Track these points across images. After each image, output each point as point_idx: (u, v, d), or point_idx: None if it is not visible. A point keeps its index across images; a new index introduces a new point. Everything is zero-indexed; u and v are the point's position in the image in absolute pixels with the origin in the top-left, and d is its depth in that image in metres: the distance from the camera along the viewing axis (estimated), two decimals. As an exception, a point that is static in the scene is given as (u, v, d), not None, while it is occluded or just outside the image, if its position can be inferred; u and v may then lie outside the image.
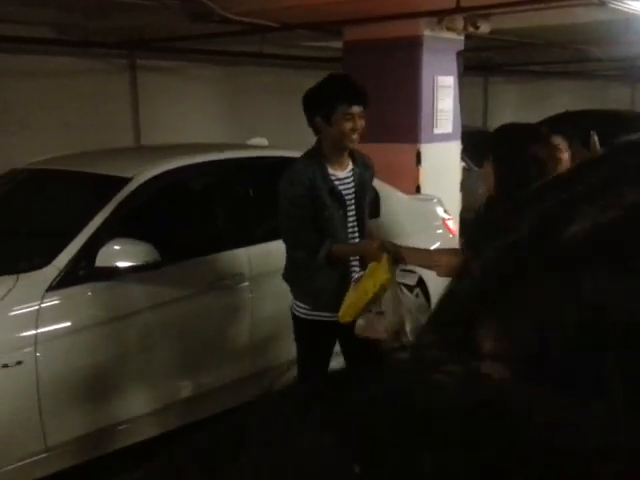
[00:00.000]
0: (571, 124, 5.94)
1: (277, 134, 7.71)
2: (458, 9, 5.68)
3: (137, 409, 3.57)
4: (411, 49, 6.61)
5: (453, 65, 6.90)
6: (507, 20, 6.74)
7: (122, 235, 3.41)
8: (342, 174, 3.14)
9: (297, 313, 3.24)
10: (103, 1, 6.44)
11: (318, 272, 3.07)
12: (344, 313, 2.87)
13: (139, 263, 3.37)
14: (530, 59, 12.46)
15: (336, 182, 3.11)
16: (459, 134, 7.01)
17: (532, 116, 13.76)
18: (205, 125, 9.42)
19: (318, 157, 3.12)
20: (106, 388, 3.45)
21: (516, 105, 15.61)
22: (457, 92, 6.95)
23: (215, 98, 10.00)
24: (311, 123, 3.14)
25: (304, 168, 3.08)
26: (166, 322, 3.62)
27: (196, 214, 3.95)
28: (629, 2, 5.88)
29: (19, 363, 3.13)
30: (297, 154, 4.44)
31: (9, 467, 3.14)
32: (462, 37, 6.85)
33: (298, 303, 3.23)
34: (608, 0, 5.79)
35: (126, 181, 3.65)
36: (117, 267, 3.36)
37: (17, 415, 3.17)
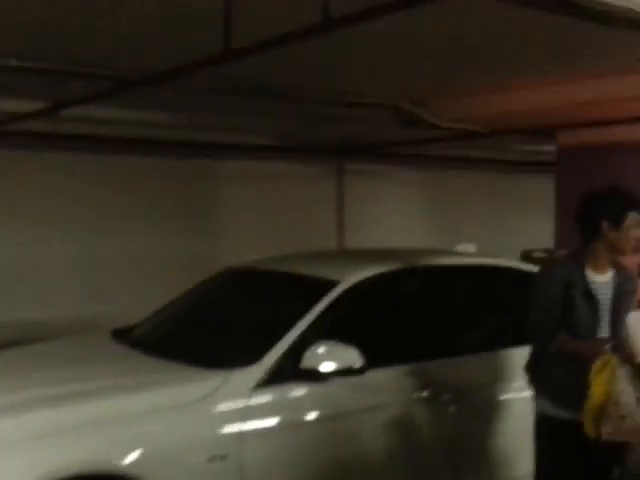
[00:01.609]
0: None
1: (482, 239, 7.56)
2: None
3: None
4: (636, 154, 6.26)
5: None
6: None
7: (328, 338, 3.40)
8: (601, 279, 3.23)
9: (537, 410, 3.30)
10: (318, 111, 6.80)
11: (557, 364, 3.18)
12: (588, 426, 2.91)
13: (344, 367, 3.33)
14: None
15: (593, 286, 3.20)
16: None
17: None
18: (408, 228, 9.49)
19: (580, 259, 3.24)
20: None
21: None
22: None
23: (420, 202, 10.10)
24: (592, 225, 3.21)
25: (564, 266, 3.25)
26: (367, 429, 3.50)
27: (402, 321, 3.88)
28: None
29: (223, 458, 3.16)
30: (509, 263, 4.29)
31: None
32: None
33: (539, 398, 3.30)
34: None
35: (334, 284, 3.67)
36: (322, 370, 3.34)
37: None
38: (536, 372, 3.37)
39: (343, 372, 3.35)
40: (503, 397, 3.85)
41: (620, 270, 3.30)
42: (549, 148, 8.14)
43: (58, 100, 5.55)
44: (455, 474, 3.74)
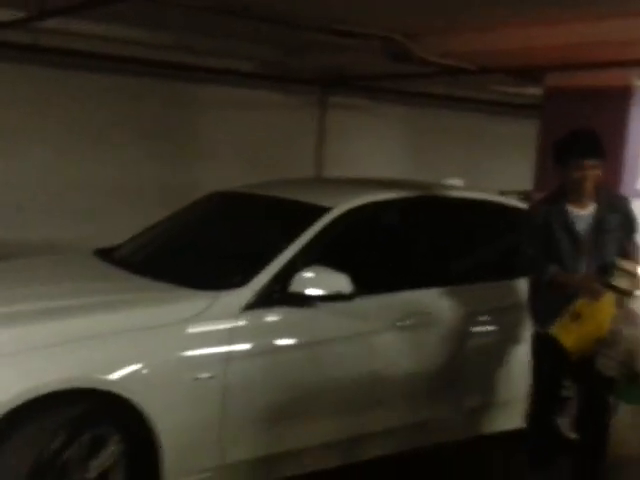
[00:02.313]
0: None
1: (462, 178, 7.58)
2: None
3: (313, 439, 3.52)
4: (619, 99, 6.28)
5: (662, 120, 6.47)
6: None
7: (319, 264, 3.41)
8: (580, 212, 3.52)
9: (532, 332, 3.71)
10: (308, 39, 6.66)
11: (547, 293, 3.54)
12: (573, 345, 3.32)
13: (333, 292, 3.35)
14: None
15: (573, 219, 3.50)
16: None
17: None
18: (388, 164, 9.47)
19: (560, 195, 3.58)
20: (287, 414, 3.44)
21: None
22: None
23: (401, 138, 10.05)
24: (554, 168, 3.59)
25: (547, 202, 3.62)
26: (351, 355, 3.56)
27: (393, 250, 3.89)
28: None
29: (209, 378, 3.19)
30: (499, 198, 4.33)
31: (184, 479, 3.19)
32: (676, 90, 6.41)
33: (534, 321, 3.69)
34: None
35: (326, 210, 3.67)
36: (310, 294, 3.36)
37: (199, 428, 3.21)
38: (533, 300, 3.70)
39: (332, 297, 3.36)
40: (487, 328, 3.92)
41: (604, 199, 3.54)
42: (532, 91, 8.11)
43: (38, 10, 5.34)
44: (435, 399, 3.83)
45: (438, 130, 10.24)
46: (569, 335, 3.36)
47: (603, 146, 3.53)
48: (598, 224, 3.51)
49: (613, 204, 3.59)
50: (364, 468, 3.70)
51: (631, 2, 4.67)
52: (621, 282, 3.31)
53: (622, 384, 3.35)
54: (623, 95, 6.31)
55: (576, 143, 3.52)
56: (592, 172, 3.47)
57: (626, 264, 3.38)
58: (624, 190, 6.20)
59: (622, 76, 6.25)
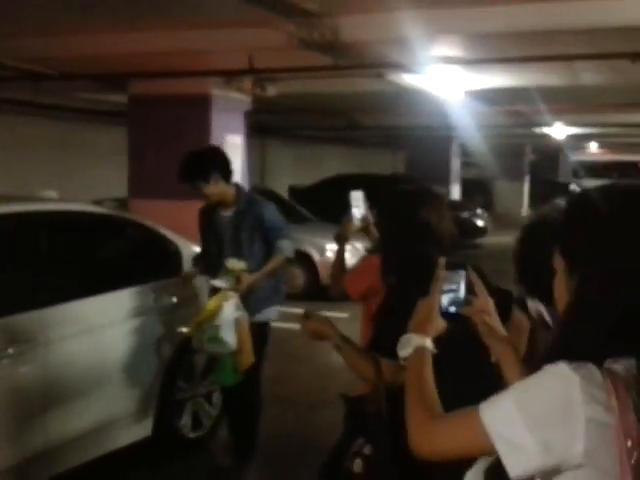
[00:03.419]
0: (342, 186, 6.30)
1: (52, 188, 7.22)
2: (251, 70, 5.77)
3: None
4: (200, 107, 6.58)
5: (241, 124, 6.98)
6: (293, 85, 6.98)
7: None
8: (225, 214, 3.88)
9: None
10: None
11: None
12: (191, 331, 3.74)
13: None
14: (306, 124, 13.06)
15: (219, 221, 3.89)
16: (246, 193, 7.06)
17: (307, 177, 14.40)
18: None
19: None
20: None
21: (292, 166, 16.22)
22: (245, 151, 7.02)
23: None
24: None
25: (204, 208, 4.01)
26: None
27: None
28: (403, 75, 6.36)
29: None
30: (93, 208, 4.16)
31: None
32: (249, 98, 6.96)
33: None
34: (385, 73, 6.22)
35: None
36: None
37: None
38: None
39: None
40: (101, 340, 3.70)
41: (248, 204, 3.87)
42: (118, 98, 8.09)
43: None
44: (55, 427, 3.50)
45: (24, 139, 9.63)
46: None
47: (193, 167, 3.78)
48: (237, 226, 3.83)
49: (249, 208, 3.87)
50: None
51: (204, 14, 4.90)
52: (224, 281, 3.62)
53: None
54: (203, 103, 6.63)
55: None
56: (196, 191, 3.79)
57: (232, 264, 3.66)
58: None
59: (201, 84, 6.56)
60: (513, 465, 1.16)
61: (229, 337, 3.57)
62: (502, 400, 1.21)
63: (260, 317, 3.80)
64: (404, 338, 1.55)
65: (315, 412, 4.61)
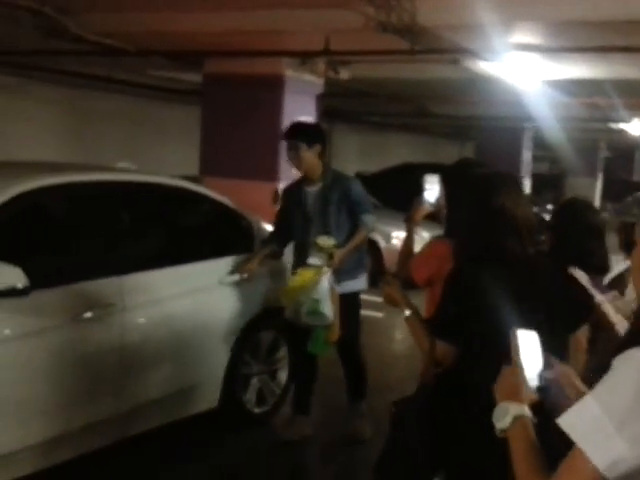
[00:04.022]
0: (409, 173, 6.25)
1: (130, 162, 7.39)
2: (326, 52, 5.76)
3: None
4: (273, 88, 6.61)
5: (313, 107, 6.98)
6: (366, 69, 6.94)
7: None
8: (310, 189, 4.04)
9: None
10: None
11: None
12: (284, 300, 3.91)
13: (5, 287, 2.95)
14: (374, 110, 12.98)
15: (304, 195, 4.05)
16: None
17: (372, 164, 14.34)
18: (44, 148, 8.84)
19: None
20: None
21: (358, 153, 16.16)
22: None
23: (57, 120, 9.47)
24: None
25: (290, 184, 4.28)
26: (32, 354, 3.15)
27: (69, 238, 3.52)
28: (479, 62, 6.24)
29: None
30: (177, 182, 4.21)
31: None
32: (322, 80, 6.95)
33: None
34: (461, 59, 6.12)
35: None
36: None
37: None
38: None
39: (5, 293, 2.97)
40: (175, 310, 3.75)
41: (335, 179, 4.01)
42: (192, 77, 8.19)
43: None
44: (127, 392, 3.60)
45: (98, 113, 9.86)
46: (284, 294, 3.93)
47: (300, 128, 4.07)
48: (324, 201, 3.95)
49: (336, 182, 4.01)
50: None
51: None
52: (318, 259, 3.77)
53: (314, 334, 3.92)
54: (277, 84, 6.66)
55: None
56: (291, 152, 3.97)
57: (323, 241, 3.78)
58: (282, 176, 6.55)
59: (275, 65, 6.58)
60: (607, 467, 1.16)
61: (328, 310, 3.77)
62: (585, 409, 1.21)
63: (349, 288, 3.99)
64: (500, 408, 1.47)
65: (377, 396, 4.62)
